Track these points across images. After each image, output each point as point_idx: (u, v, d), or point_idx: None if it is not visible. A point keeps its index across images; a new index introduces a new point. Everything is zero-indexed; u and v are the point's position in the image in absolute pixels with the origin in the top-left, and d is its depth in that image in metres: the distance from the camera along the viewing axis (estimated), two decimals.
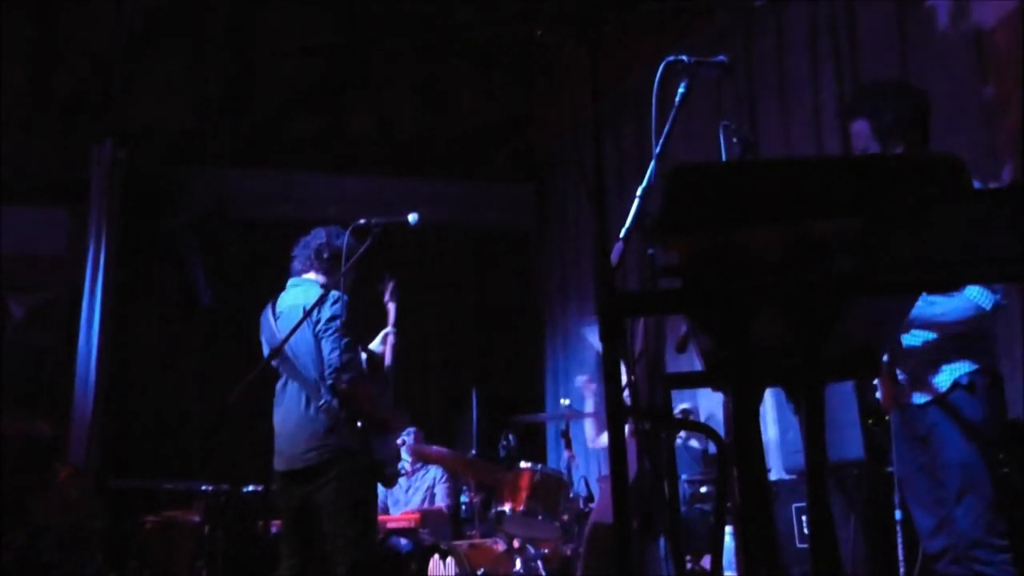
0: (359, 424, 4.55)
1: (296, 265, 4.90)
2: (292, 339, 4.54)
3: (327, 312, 4.59)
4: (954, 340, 3.65)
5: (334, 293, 4.63)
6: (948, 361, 3.67)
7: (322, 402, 4.52)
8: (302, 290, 4.76)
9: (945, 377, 3.67)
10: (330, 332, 4.57)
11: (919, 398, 3.75)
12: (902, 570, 4.34)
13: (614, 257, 2.52)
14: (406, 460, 7.14)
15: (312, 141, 9.59)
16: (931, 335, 3.69)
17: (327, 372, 4.54)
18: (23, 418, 7.25)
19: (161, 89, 9.08)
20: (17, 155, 8.41)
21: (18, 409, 7.49)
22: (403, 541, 6.28)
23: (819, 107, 6.08)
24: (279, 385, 4.74)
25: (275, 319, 4.77)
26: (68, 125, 8.80)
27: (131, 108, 8.86)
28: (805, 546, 5.12)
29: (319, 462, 4.52)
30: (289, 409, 4.64)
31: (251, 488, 6.36)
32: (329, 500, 4.51)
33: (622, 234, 2.77)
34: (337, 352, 4.53)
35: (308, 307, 4.56)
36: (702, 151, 6.17)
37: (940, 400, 3.66)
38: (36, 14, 8.77)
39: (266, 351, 4.78)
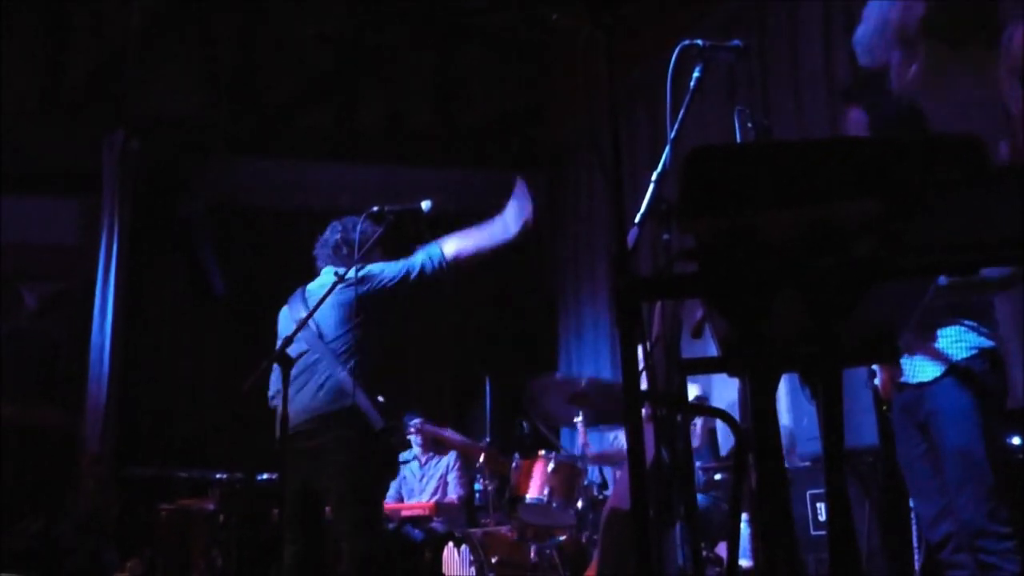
0: (380, 399, 4.55)
1: (320, 264, 4.90)
2: (321, 313, 4.54)
3: (375, 266, 4.66)
4: (952, 306, 3.64)
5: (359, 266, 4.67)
6: (943, 325, 3.65)
7: (339, 371, 4.51)
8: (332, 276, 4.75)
9: (943, 344, 3.65)
10: (394, 264, 4.66)
11: (916, 372, 3.73)
12: (916, 556, 4.33)
13: (629, 242, 2.50)
14: (416, 449, 7.15)
15: (324, 130, 9.59)
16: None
17: (430, 257, 4.62)
18: (30, 408, 7.29)
19: (173, 79, 9.08)
20: (29, 145, 8.43)
21: (25, 399, 7.52)
22: (416, 531, 6.29)
23: (833, 93, 6.05)
24: (300, 361, 4.69)
25: (304, 299, 4.74)
26: (80, 115, 8.82)
27: (142, 98, 8.87)
28: (820, 533, 5.12)
29: (329, 411, 4.47)
30: (307, 379, 4.58)
31: (265, 476, 6.37)
32: (334, 483, 4.46)
33: (637, 219, 2.76)
34: (414, 259, 4.65)
35: (334, 278, 4.55)
36: (716, 137, 6.15)
37: (938, 379, 3.65)
38: (47, 4, 8.78)
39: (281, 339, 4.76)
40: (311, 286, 4.82)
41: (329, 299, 4.54)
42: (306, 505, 4.59)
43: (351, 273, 4.62)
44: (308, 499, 4.58)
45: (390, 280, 4.64)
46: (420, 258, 4.68)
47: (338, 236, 4.82)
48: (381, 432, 4.51)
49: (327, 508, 4.67)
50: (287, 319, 4.80)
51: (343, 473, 4.46)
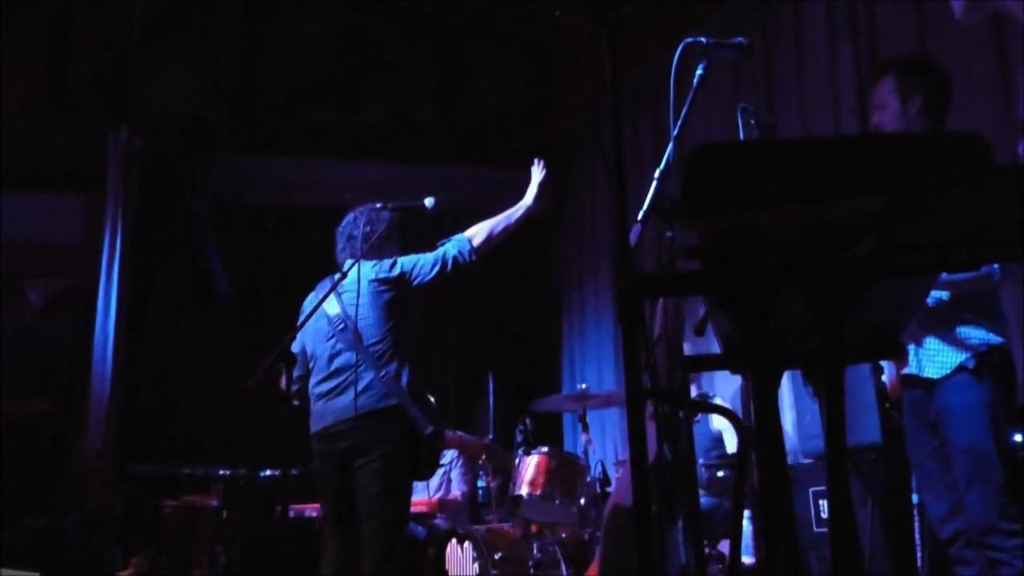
0: (431, 399, 4.60)
1: (345, 255, 4.85)
2: (358, 312, 4.58)
3: (407, 262, 4.70)
4: (960, 301, 3.64)
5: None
6: (952, 321, 3.66)
7: (383, 373, 4.51)
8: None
9: (956, 338, 3.65)
10: (424, 257, 4.71)
11: (924, 366, 3.73)
12: (919, 554, 4.33)
13: (632, 239, 2.51)
14: None
15: (327, 128, 9.59)
16: (938, 295, 3.67)
17: (460, 251, 4.70)
18: (22, 401, 7.30)
19: (176, 76, 9.09)
20: (33, 143, 8.44)
21: (16, 394, 7.54)
22: (419, 528, 6.29)
23: (837, 91, 6.05)
24: (323, 360, 4.70)
25: (339, 295, 4.71)
26: (83, 113, 8.82)
27: (146, 96, 8.88)
28: (822, 531, 5.12)
29: (374, 413, 4.47)
30: (348, 380, 4.56)
31: (269, 473, 6.38)
32: (370, 481, 4.47)
33: (640, 217, 2.76)
34: (444, 250, 4.72)
35: (371, 278, 4.61)
36: (719, 134, 6.15)
37: (948, 377, 3.66)
38: (51, 1, 8.79)
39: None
40: (345, 282, 4.74)
41: (367, 298, 4.58)
42: (346, 502, 4.60)
43: (382, 269, 4.65)
44: (347, 496, 4.58)
45: (428, 275, 4.67)
46: (451, 251, 4.71)
47: (369, 229, 4.77)
48: (429, 436, 4.53)
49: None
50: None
51: (381, 473, 4.47)
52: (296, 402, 4.82)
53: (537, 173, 4.99)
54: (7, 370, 7.89)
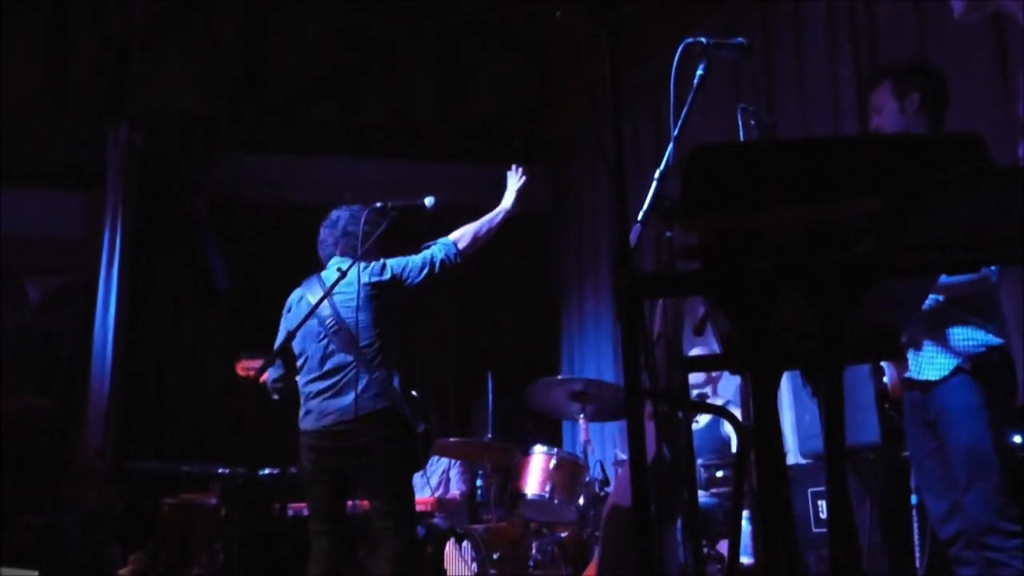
0: (414, 394, 4.65)
1: (332, 252, 4.88)
2: (350, 313, 4.61)
3: (395, 265, 4.76)
4: (959, 303, 3.65)
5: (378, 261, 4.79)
6: (951, 323, 3.66)
7: (376, 374, 4.54)
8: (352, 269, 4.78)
9: (952, 342, 3.65)
10: (412, 259, 4.79)
11: (923, 368, 3.73)
12: (918, 554, 4.33)
13: (632, 239, 2.51)
14: None
15: (328, 126, 9.59)
16: (937, 298, 3.67)
17: (447, 254, 4.81)
18: (21, 399, 7.30)
19: (176, 74, 9.09)
20: (33, 140, 8.44)
21: (16, 391, 7.54)
22: (418, 527, 6.28)
23: (837, 91, 6.05)
24: (315, 360, 4.71)
25: (331, 299, 4.69)
26: (83, 110, 8.82)
27: (146, 93, 8.87)
28: (821, 531, 5.12)
29: (372, 413, 4.52)
30: (343, 380, 4.60)
31: (267, 471, 6.38)
32: (376, 482, 4.55)
33: (640, 217, 2.76)
34: (431, 253, 4.81)
35: (363, 281, 4.66)
36: (720, 134, 6.15)
37: (947, 378, 3.66)
38: (51, 1, 8.79)
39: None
40: (341, 283, 4.72)
41: (359, 299, 4.61)
42: (341, 500, 4.67)
43: (373, 272, 4.69)
44: (339, 494, 4.65)
45: (416, 278, 4.75)
46: (437, 255, 4.80)
47: (363, 227, 4.78)
48: (422, 434, 4.61)
49: (355, 503, 4.74)
50: (306, 305, 4.73)
51: (387, 473, 4.55)
52: (276, 396, 4.85)
53: (514, 179, 5.14)
54: (7, 367, 7.89)
